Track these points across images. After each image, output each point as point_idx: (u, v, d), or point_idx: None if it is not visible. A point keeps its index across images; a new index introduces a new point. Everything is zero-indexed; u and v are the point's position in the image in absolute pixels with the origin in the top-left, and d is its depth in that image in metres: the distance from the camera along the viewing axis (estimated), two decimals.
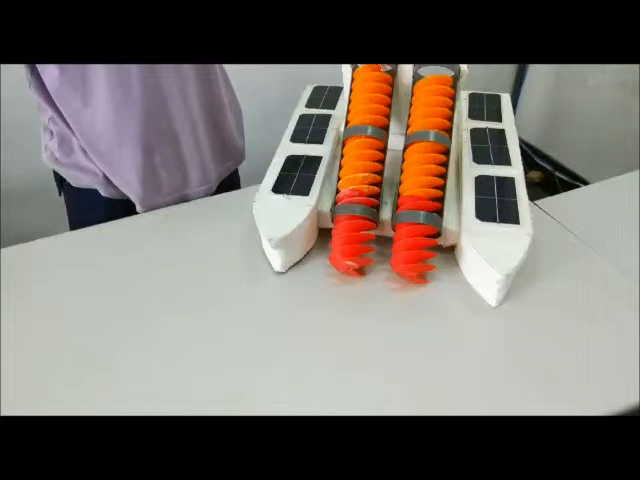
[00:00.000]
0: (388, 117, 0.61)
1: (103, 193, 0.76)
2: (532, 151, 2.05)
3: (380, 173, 0.59)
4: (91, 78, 0.67)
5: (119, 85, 0.67)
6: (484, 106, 0.72)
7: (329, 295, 0.57)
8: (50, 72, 0.67)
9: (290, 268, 0.59)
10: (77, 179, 0.77)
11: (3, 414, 0.45)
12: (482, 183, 0.60)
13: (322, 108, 0.74)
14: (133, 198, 0.75)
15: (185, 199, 0.78)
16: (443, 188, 0.57)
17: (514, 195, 0.58)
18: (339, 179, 0.60)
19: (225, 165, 0.85)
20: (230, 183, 0.89)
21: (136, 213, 0.76)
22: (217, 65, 0.78)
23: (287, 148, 0.67)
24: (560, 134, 1.97)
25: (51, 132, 0.76)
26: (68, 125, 0.72)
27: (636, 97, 1.62)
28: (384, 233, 0.60)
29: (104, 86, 0.67)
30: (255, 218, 0.58)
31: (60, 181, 0.81)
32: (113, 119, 0.69)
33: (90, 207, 0.79)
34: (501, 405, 0.45)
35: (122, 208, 0.76)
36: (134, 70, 0.67)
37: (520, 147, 0.65)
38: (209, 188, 0.81)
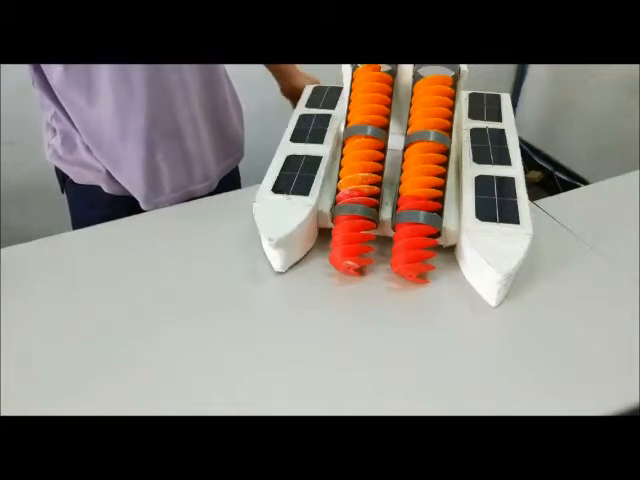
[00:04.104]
0: (388, 117, 0.61)
1: (106, 190, 0.77)
2: (532, 151, 2.04)
3: (380, 173, 0.59)
4: (95, 77, 0.67)
5: (123, 84, 0.68)
6: (484, 106, 0.72)
7: (329, 295, 0.57)
8: (54, 71, 0.67)
9: (290, 268, 0.59)
10: (80, 176, 0.77)
11: (3, 414, 0.45)
12: (482, 183, 0.60)
13: (322, 108, 0.74)
14: (137, 196, 0.76)
15: (188, 196, 0.78)
16: (443, 188, 0.57)
17: (514, 195, 0.58)
18: (339, 179, 0.60)
19: (227, 162, 0.85)
20: (231, 180, 0.89)
21: (138, 210, 0.76)
22: None
23: (287, 148, 0.67)
24: (560, 134, 1.97)
25: (54, 129, 0.76)
26: (72, 122, 0.72)
27: (636, 97, 1.62)
28: (384, 233, 0.60)
29: (108, 85, 0.67)
30: (255, 218, 0.58)
31: (62, 178, 0.81)
32: (117, 117, 0.70)
33: (93, 204, 0.79)
34: (501, 405, 0.45)
35: (125, 205, 0.76)
36: (137, 69, 0.67)
37: (520, 147, 0.65)
38: (210, 184, 0.81)
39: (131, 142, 0.71)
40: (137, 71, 0.67)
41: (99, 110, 0.69)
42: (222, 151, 0.83)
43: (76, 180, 0.78)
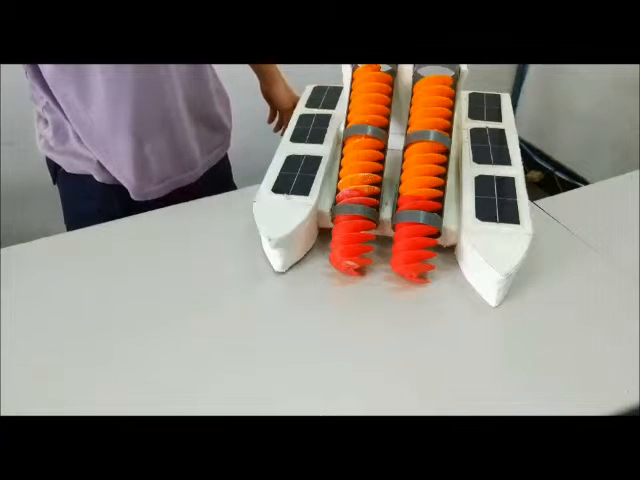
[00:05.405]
0: (388, 117, 0.61)
1: (98, 178, 0.78)
2: (532, 151, 2.05)
3: (380, 173, 0.59)
4: (86, 73, 0.68)
5: (114, 79, 0.68)
6: (484, 106, 0.72)
7: (329, 295, 0.57)
8: (46, 65, 0.68)
9: (290, 268, 0.59)
10: (72, 165, 0.78)
11: (3, 414, 0.45)
12: (482, 183, 0.60)
13: (322, 108, 0.74)
14: (126, 185, 0.77)
15: (175, 186, 0.80)
16: (443, 188, 0.57)
17: (514, 195, 0.58)
18: (339, 179, 0.60)
19: (213, 152, 0.87)
20: (221, 170, 0.91)
21: (130, 199, 0.77)
22: None
23: (287, 148, 0.67)
24: (560, 134, 1.98)
25: (45, 121, 0.77)
26: (63, 112, 0.73)
27: (636, 97, 1.62)
28: (384, 233, 0.60)
29: (99, 80, 0.68)
30: (255, 218, 0.58)
31: (54, 170, 0.82)
32: (107, 111, 0.70)
33: (85, 193, 0.80)
34: (501, 405, 0.45)
35: (116, 193, 0.78)
36: (128, 65, 0.68)
37: (520, 147, 0.65)
38: (196, 173, 0.83)
39: (121, 135, 0.72)
40: (128, 67, 0.68)
41: (90, 104, 0.70)
42: (208, 142, 0.85)
43: (68, 170, 0.79)
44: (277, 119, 1.00)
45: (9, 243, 0.64)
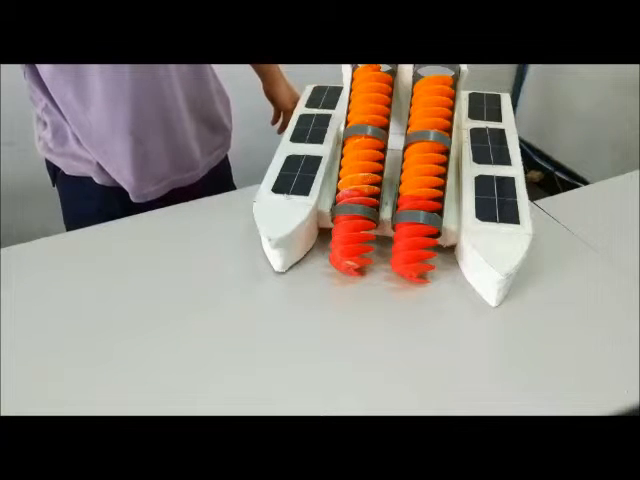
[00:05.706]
0: (388, 117, 0.61)
1: (97, 180, 0.77)
2: (532, 151, 2.05)
3: (380, 173, 0.59)
4: (85, 73, 0.68)
5: (112, 79, 0.68)
6: (484, 106, 0.72)
7: (329, 295, 0.57)
8: (44, 65, 0.68)
9: (290, 268, 0.59)
10: (71, 167, 0.78)
11: (3, 414, 0.45)
12: (482, 183, 0.60)
13: (322, 108, 0.74)
14: (125, 186, 0.77)
15: (174, 187, 0.80)
16: (443, 188, 0.57)
17: (514, 195, 0.58)
18: (339, 179, 0.60)
19: (214, 153, 0.87)
20: (221, 171, 0.91)
21: (130, 201, 0.77)
22: None
23: (287, 148, 0.67)
24: (560, 134, 1.98)
25: (44, 123, 0.77)
26: (62, 114, 0.73)
27: (636, 97, 1.62)
28: (384, 233, 0.60)
29: (97, 81, 0.68)
30: (255, 218, 0.58)
31: (53, 172, 0.82)
32: (106, 112, 0.70)
33: (84, 195, 0.80)
34: (501, 405, 0.45)
35: (116, 195, 0.78)
36: (127, 66, 0.68)
37: (520, 147, 0.65)
38: (196, 174, 0.83)
39: (119, 135, 0.72)
40: (126, 67, 0.68)
41: (89, 105, 0.70)
42: (208, 142, 0.85)
43: (67, 172, 0.79)
44: (281, 120, 1.00)
45: (9, 243, 0.64)
